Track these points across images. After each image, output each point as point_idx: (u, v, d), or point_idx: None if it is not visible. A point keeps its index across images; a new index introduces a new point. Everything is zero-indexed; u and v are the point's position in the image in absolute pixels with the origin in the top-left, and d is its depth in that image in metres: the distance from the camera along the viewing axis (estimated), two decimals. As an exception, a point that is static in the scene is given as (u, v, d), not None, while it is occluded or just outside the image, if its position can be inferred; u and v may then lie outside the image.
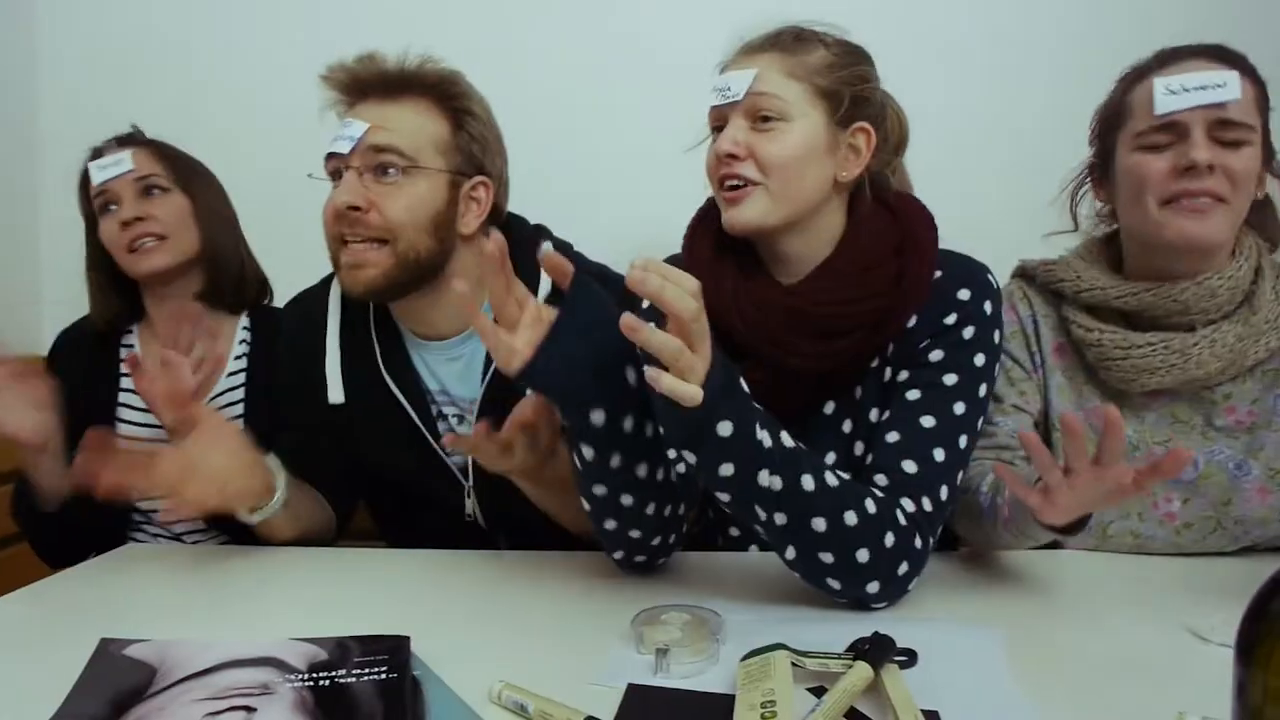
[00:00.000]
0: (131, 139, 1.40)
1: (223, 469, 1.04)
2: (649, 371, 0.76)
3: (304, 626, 0.84)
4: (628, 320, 0.72)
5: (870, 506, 0.87)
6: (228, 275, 1.40)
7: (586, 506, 0.94)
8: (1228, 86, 0.98)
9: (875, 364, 1.02)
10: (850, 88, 0.99)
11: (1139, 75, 1.07)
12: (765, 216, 0.98)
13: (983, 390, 0.97)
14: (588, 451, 0.88)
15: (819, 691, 0.69)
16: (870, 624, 0.79)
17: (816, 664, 0.72)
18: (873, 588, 0.87)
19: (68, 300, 1.49)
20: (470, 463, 1.20)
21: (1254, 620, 0.46)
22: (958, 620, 0.88)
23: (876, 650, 0.73)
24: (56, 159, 1.40)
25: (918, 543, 0.89)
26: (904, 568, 0.88)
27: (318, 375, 1.22)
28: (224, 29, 1.89)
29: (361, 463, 1.27)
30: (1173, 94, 1.00)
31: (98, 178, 1.34)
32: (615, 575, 1.03)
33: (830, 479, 0.86)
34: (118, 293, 1.40)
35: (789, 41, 0.99)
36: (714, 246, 1.05)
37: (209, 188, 1.43)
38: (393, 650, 0.78)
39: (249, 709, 0.69)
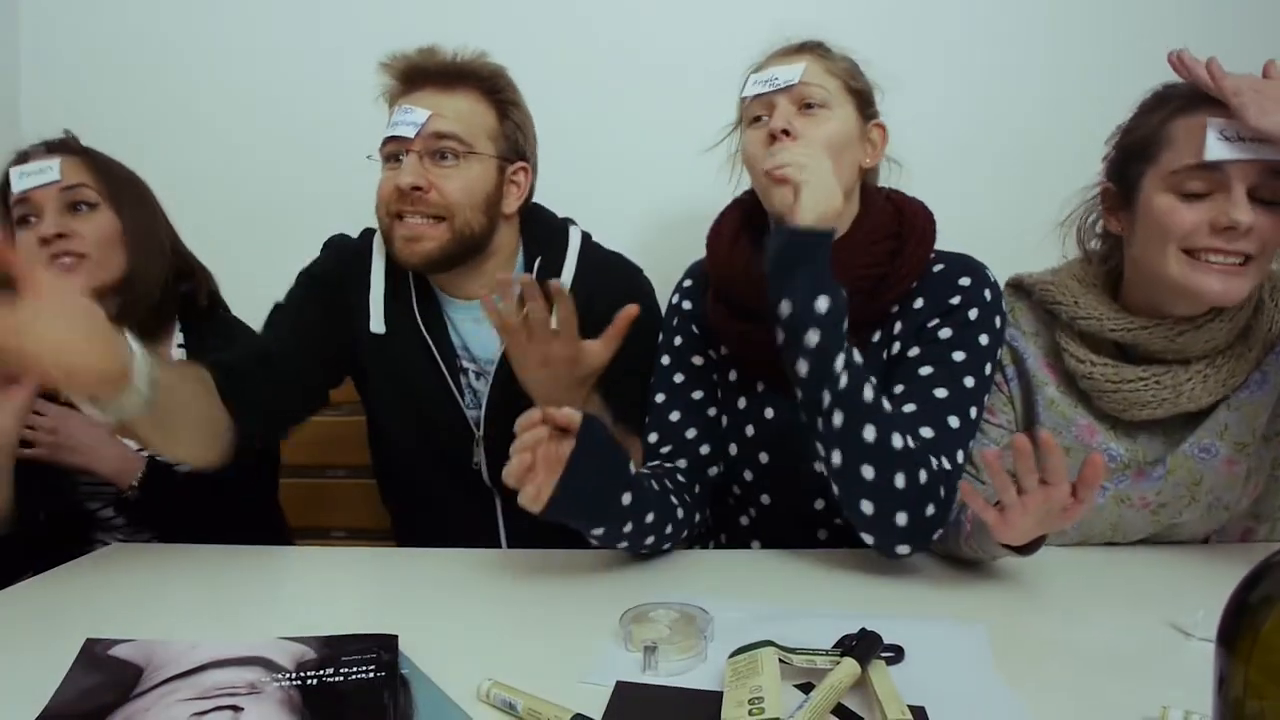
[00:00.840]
0: (63, 145, 1.28)
1: (60, 340, 0.83)
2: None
3: (291, 625, 0.84)
4: None
5: (912, 441, 0.96)
6: (143, 303, 1.29)
7: None
8: None
9: (877, 339, 1.11)
10: (868, 88, 1.13)
11: (1183, 107, 0.99)
12: None
13: (988, 368, 1.06)
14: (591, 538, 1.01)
15: (806, 688, 0.70)
16: (856, 621, 0.79)
17: (804, 660, 0.72)
18: (901, 519, 0.94)
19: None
20: (484, 415, 1.27)
21: (1234, 614, 0.46)
22: (944, 617, 0.89)
23: (863, 647, 0.73)
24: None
25: (942, 492, 0.97)
26: (930, 509, 0.95)
27: (356, 303, 1.28)
28: (215, 31, 1.87)
29: (371, 407, 1.33)
30: (1226, 141, 0.92)
31: (19, 184, 1.21)
32: (603, 573, 1.03)
33: (886, 403, 0.97)
34: None
35: (821, 49, 1.13)
36: (738, 227, 1.16)
37: (141, 206, 1.32)
38: (381, 649, 0.78)
39: (236, 709, 0.69)
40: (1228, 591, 0.47)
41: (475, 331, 1.30)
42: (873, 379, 0.96)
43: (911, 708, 0.66)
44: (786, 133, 1.06)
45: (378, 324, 1.27)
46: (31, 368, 0.83)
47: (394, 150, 1.22)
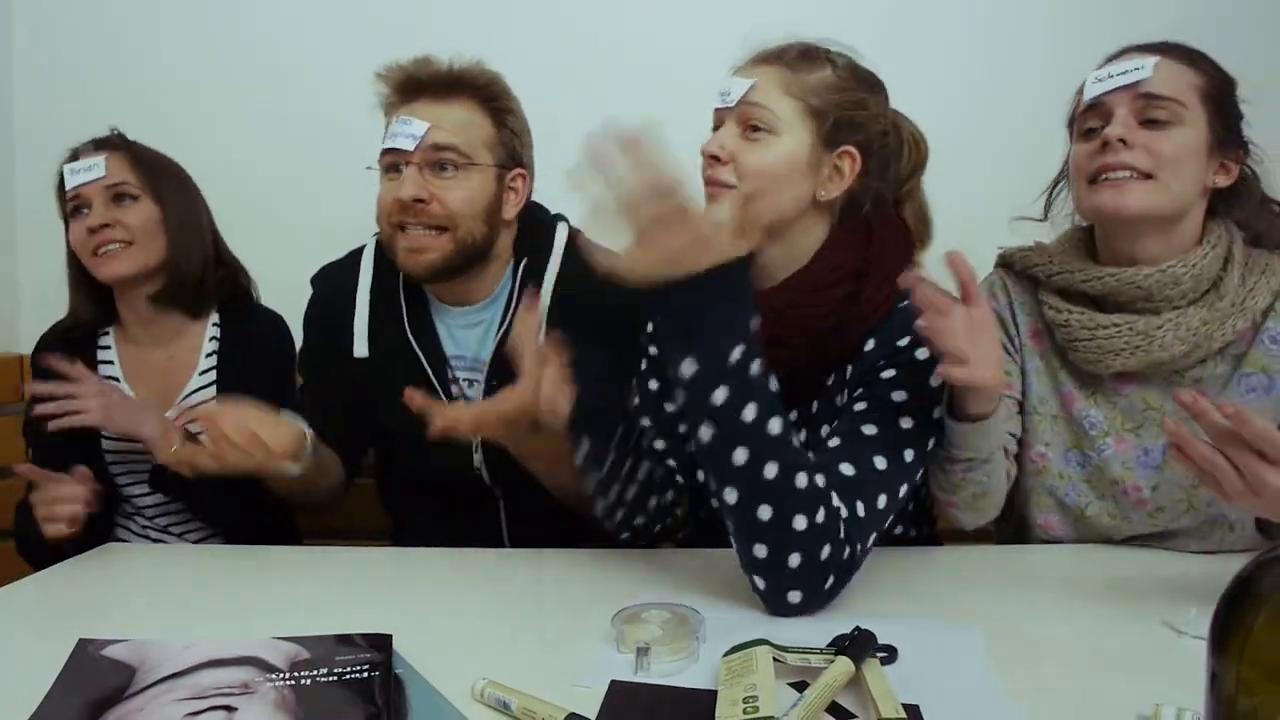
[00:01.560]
0: (108, 142, 1.39)
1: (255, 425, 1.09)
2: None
3: (285, 625, 0.84)
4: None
5: (821, 480, 0.88)
6: (188, 282, 1.40)
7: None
8: (1143, 69, 1.05)
9: (830, 382, 1.03)
10: (842, 111, 1.00)
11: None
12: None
13: (937, 412, 0.97)
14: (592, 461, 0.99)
15: (801, 686, 0.70)
16: (851, 621, 0.80)
17: (798, 659, 0.72)
18: (794, 560, 0.85)
19: (45, 300, 1.50)
20: None
21: (1226, 611, 0.46)
22: (937, 616, 0.88)
23: (858, 645, 0.73)
24: (33, 156, 1.39)
25: (845, 552, 0.88)
26: (826, 550, 0.86)
27: (345, 332, 1.31)
28: (211, 33, 1.87)
29: (373, 421, 1.33)
30: (1099, 82, 1.08)
31: (71, 182, 1.34)
32: (597, 573, 1.03)
33: (793, 438, 0.88)
34: (91, 295, 1.41)
35: (794, 58, 1.01)
36: None
37: (181, 195, 1.42)
38: (375, 648, 0.78)
39: (230, 708, 0.69)
40: (1219, 590, 0.47)
41: (471, 336, 1.31)
42: (779, 408, 0.88)
43: (906, 706, 0.66)
44: (717, 158, 0.99)
45: (361, 348, 1.30)
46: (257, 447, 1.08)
47: (393, 161, 1.22)
